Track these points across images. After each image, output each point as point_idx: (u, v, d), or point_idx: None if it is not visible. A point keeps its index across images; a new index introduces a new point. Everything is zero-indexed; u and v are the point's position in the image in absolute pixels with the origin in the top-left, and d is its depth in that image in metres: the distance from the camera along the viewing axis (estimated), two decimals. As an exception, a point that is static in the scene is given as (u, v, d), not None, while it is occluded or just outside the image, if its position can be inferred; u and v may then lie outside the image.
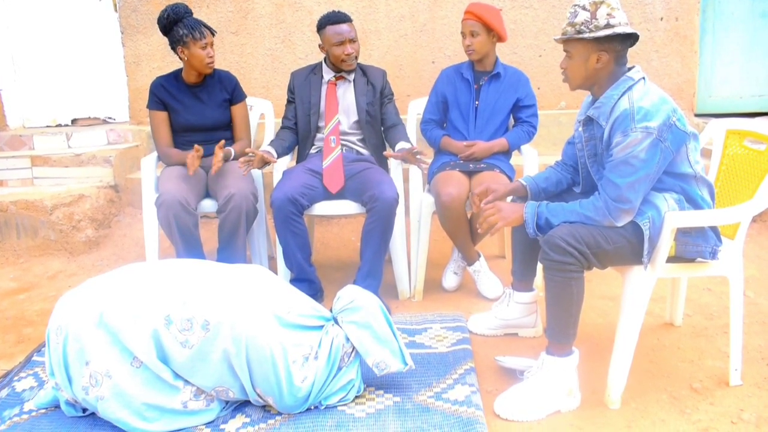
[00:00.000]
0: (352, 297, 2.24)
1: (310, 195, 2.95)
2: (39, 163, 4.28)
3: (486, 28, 3.04)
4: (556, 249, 2.07)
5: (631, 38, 2.12)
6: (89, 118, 4.78)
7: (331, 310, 2.30)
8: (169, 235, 2.92)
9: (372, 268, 2.93)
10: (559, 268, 2.07)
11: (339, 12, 3.06)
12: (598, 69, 2.13)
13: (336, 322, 2.27)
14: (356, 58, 3.10)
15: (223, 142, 3.00)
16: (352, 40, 3.04)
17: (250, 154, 2.87)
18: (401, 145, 3.02)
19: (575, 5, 2.12)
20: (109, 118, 4.78)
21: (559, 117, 4.44)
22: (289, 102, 3.24)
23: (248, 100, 3.42)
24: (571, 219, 2.13)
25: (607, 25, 2.07)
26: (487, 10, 3.05)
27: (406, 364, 2.23)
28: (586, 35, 2.08)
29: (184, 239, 2.90)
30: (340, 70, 3.13)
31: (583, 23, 2.09)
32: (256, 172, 3.15)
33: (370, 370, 2.30)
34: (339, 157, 3.06)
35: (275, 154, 3.02)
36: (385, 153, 3.01)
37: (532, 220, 2.19)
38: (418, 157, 2.83)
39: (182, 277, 2.20)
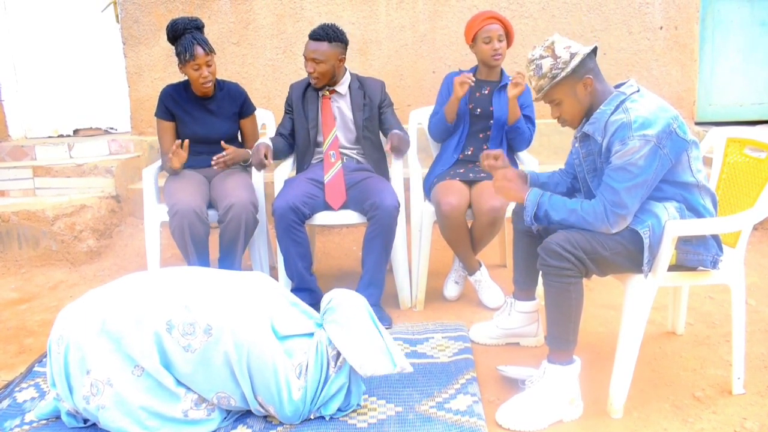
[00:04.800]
0: (330, 297, 2.22)
1: (311, 204, 2.96)
2: (41, 173, 4.29)
3: (507, 33, 3.10)
4: (552, 255, 2.07)
5: (594, 52, 2.17)
6: (91, 128, 4.79)
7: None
8: (181, 245, 2.90)
9: (374, 276, 2.93)
10: (557, 273, 2.08)
11: (321, 28, 3.01)
12: (589, 93, 2.17)
13: (323, 327, 2.26)
14: (317, 79, 3.04)
15: (229, 148, 3.03)
16: (314, 60, 3.00)
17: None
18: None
19: (533, 61, 2.17)
20: (111, 128, 4.80)
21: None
22: (287, 113, 3.26)
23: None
24: (570, 219, 2.13)
25: (572, 56, 2.12)
26: (502, 16, 3.11)
27: (395, 365, 2.14)
28: (562, 74, 2.12)
29: (197, 249, 2.89)
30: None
31: (551, 68, 2.13)
32: (258, 183, 3.15)
33: (371, 380, 2.30)
34: (340, 172, 3.06)
35: (271, 147, 3.03)
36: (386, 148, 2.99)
37: (532, 208, 2.21)
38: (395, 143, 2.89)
39: (184, 282, 2.20)
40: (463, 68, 3.42)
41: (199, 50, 2.99)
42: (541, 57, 2.14)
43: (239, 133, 3.33)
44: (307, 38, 3.04)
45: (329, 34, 3.00)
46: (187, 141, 3.04)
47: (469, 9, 4.33)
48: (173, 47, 3.06)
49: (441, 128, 3.20)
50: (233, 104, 3.22)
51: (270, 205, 2.97)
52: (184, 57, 2.99)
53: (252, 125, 3.32)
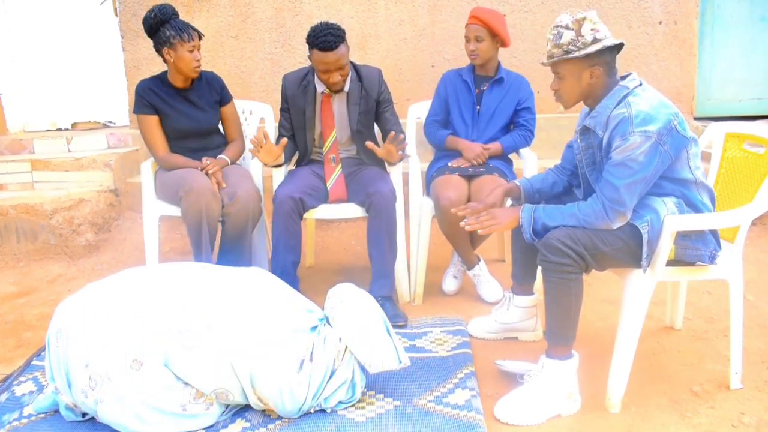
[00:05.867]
0: (342, 297, 2.23)
1: (313, 196, 2.96)
2: (39, 167, 4.28)
3: (491, 33, 3.06)
4: (553, 251, 2.07)
5: (617, 48, 2.12)
6: (89, 122, 4.78)
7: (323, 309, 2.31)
8: (194, 228, 2.81)
9: (383, 267, 2.91)
10: (557, 269, 2.08)
11: (328, 35, 2.79)
12: (593, 84, 2.13)
13: (328, 322, 2.26)
14: (345, 80, 2.95)
15: (210, 164, 2.96)
16: (341, 68, 2.87)
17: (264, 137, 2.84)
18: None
19: (557, 26, 2.10)
20: (109, 122, 4.79)
21: (559, 120, 4.44)
22: (283, 110, 3.13)
23: (248, 104, 3.41)
24: (570, 223, 2.12)
25: (594, 40, 2.07)
26: (492, 16, 3.06)
27: (400, 361, 2.20)
28: (576, 54, 2.08)
29: (210, 232, 2.83)
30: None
31: (570, 42, 2.08)
32: (257, 175, 3.14)
33: (370, 375, 2.30)
34: (341, 176, 3.06)
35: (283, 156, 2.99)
36: (367, 143, 2.90)
37: (529, 225, 2.19)
38: (399, 144, 2.84)
39: (183, 278, 2.20)
40: (462, 64, 3.41)
41: (193, 32, 2.96)
42: (567, 27, 2.08)
43: (220, 123, 3.24)
44: (318, 50, 2.81)
45: (338, 35, 2.83)
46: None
47: (468, 3, 4.32)
48: (154, 36, 2.96)
49: (438, 147, 3.28)
50: (213, 92, 3.15)
51: (268, 199, 2.96)
52: (181, 37, 2.90)
53: (232, 112, 3.24)
